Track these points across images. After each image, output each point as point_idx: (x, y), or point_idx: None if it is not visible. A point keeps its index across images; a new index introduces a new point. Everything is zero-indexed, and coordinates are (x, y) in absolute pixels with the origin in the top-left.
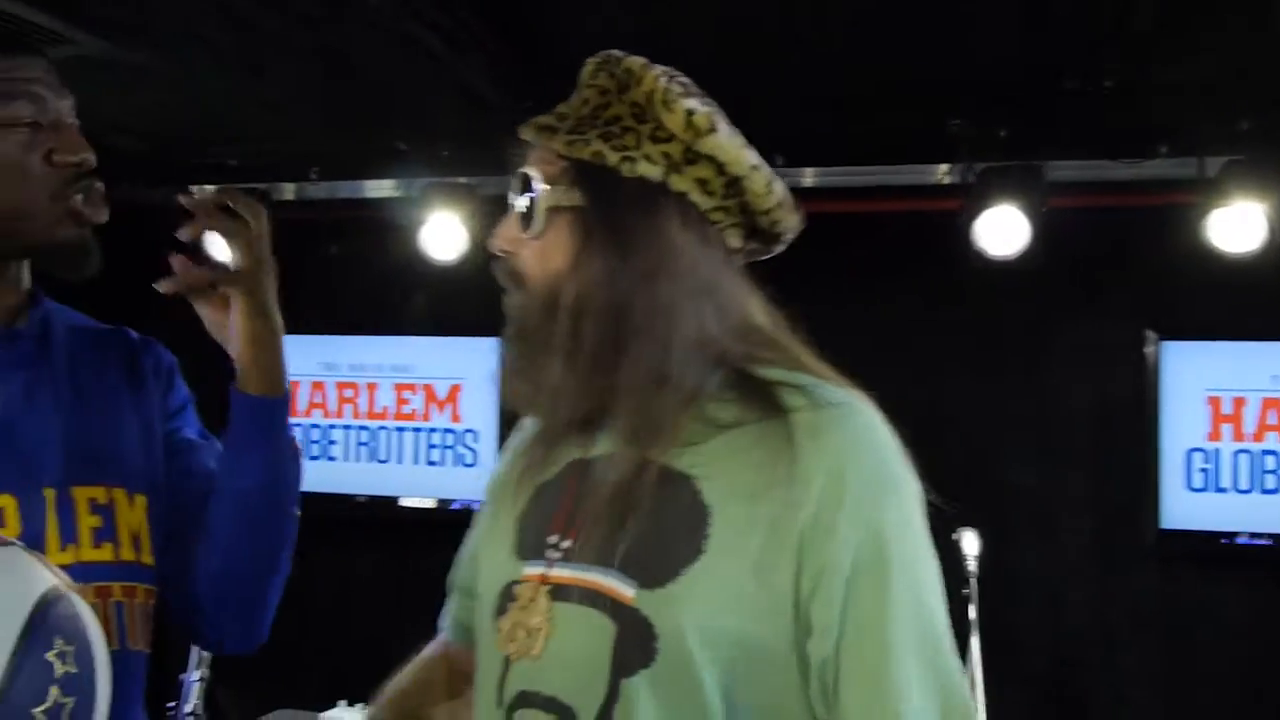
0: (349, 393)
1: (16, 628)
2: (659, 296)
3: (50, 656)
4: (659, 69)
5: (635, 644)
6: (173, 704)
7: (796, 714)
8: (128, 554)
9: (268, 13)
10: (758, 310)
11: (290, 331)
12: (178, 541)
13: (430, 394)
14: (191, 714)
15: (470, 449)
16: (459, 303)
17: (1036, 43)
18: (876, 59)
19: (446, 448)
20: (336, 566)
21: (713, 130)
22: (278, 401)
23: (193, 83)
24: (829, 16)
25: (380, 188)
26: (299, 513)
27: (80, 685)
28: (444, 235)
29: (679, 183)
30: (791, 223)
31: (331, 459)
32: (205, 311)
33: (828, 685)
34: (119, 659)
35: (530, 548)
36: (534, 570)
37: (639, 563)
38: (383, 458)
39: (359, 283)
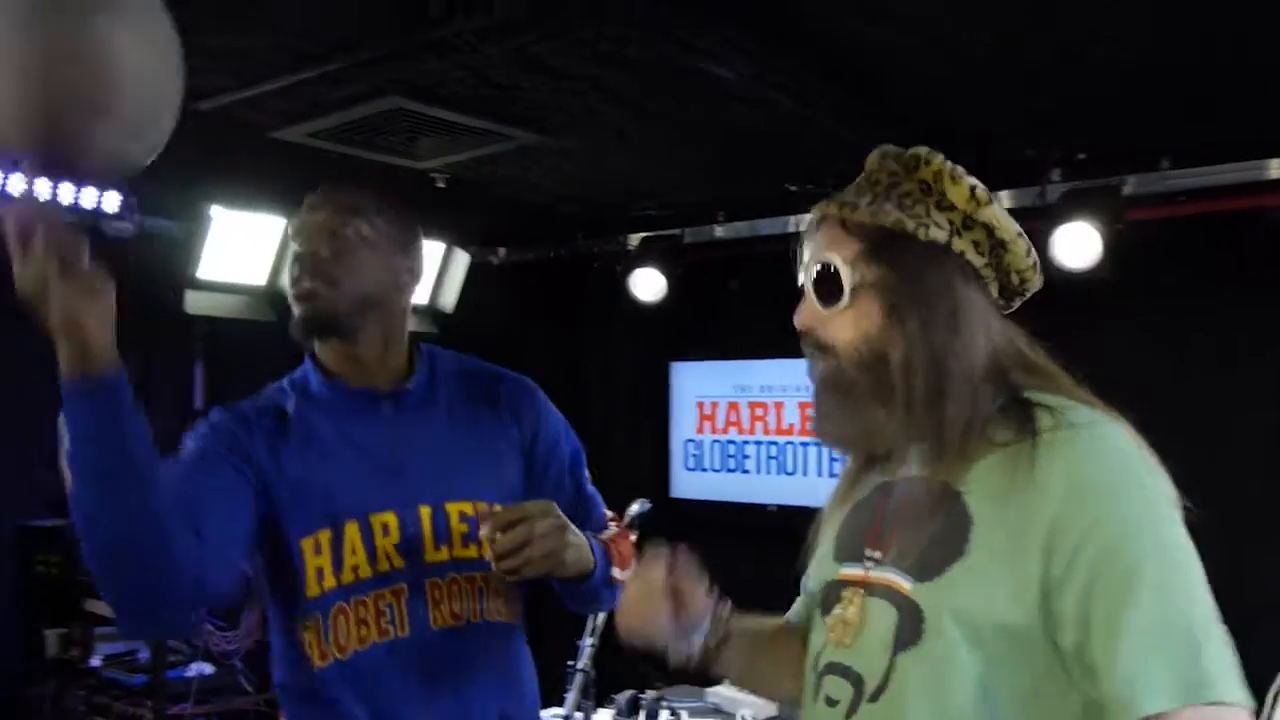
0: (760, 411)
1: None
2: (965, 343)
3: None
4: (941, 155)
5: (909, 626)
6: (571, 662)
7: (1052, 697)
8: (488, 551)
9: (658, 98)
10: (1024, 343)
11: (707, 357)
12: None
13: None
14: (582, 670)
15: None
16: None
17: None
18: (1249, 50)
19: None
20: (750, 567)
21: (990, 203)
22: (587, 584)
23: (609, 156)
24: (1184, 17)
25: (775, 225)
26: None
27: None
28: None
29: (959, 244)
30: (1036, 284)
31: (746, 472)
32: None
33: (1085, 669)
34: (490, 628)
35: (845, 552)
36: (849, 571)
37: (918, 562)
38: (790, 470)
39: (764, 311)
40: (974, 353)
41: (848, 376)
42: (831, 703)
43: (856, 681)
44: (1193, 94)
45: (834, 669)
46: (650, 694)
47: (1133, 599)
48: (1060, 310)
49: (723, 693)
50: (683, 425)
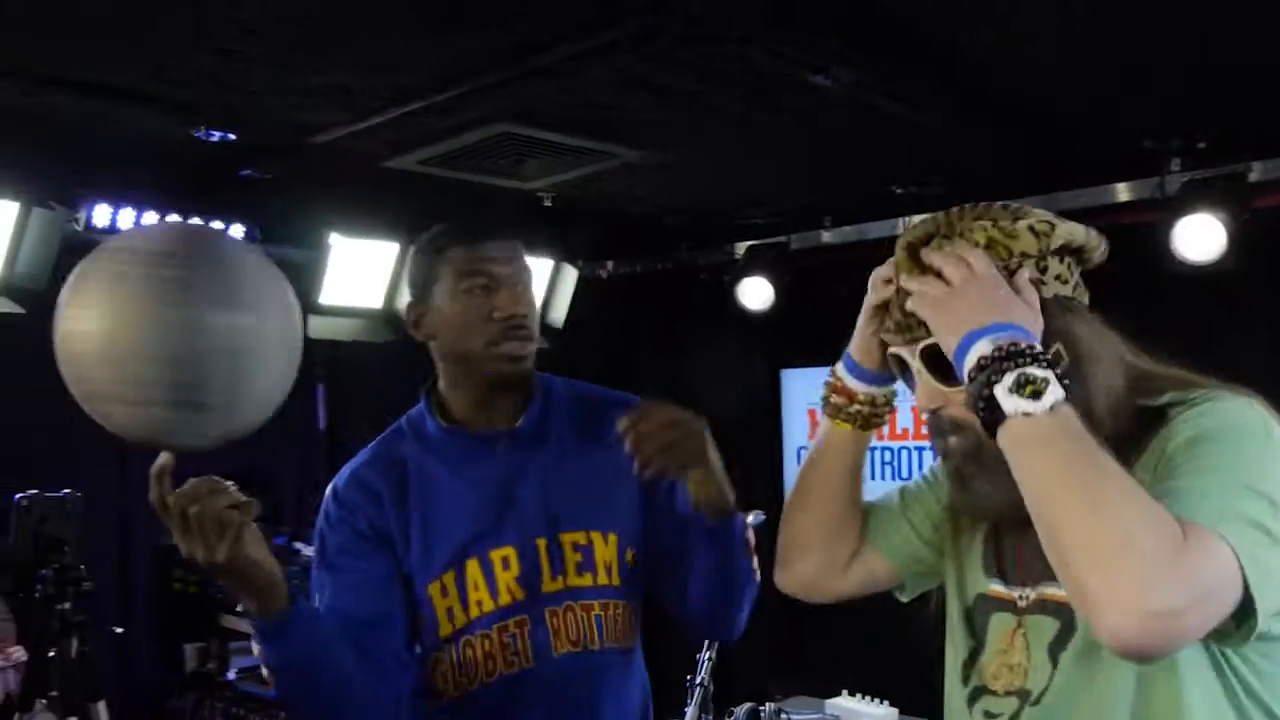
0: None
1: None
2: (1096, 384)
3: None
4: (973, 215)
5: (1068, 629)
6: (690, 676)
7: (1196, 676)
8: (603, 580)
9: (759, 110)
10: (1132, 355)
11: (818, 364)
12: (672, 573)
13: None
14: (700, 684)
15: None
16: None
17: None
18: None
19: None
20: None
21: (1054, 225)
22: (720, 525)
23: (712, 168)
24: None
25: (883, 228)
26: (755, 578)
27: None
28: None
29: (1047, 290)
30: (1102, 256)
31: None
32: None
33: None
34: (608, 655)
35: (994, 570)
36: (999, 589)
37: None
38: (905, 475)
39: None
40: (1105, 390)
41: (989, 448)
42: (992, 716)
43: (1022, 694)
44: None
45: (987, 692)
46: (769, 706)
47: (1204, 466)
48: (1183, 306)
49: (843, 705)
50: (795, 433)
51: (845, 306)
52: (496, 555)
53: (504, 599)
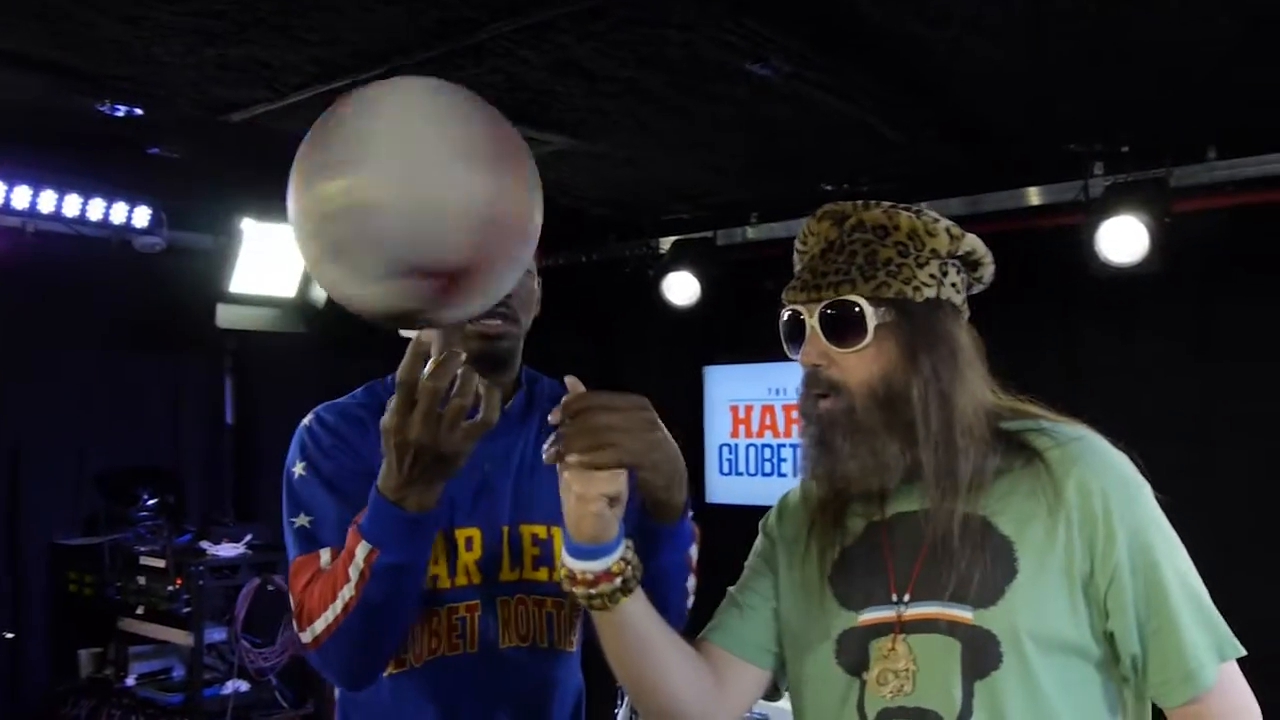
0: (795, 414)
1: None
2: (968, 382)
3: None
4: (899, 208)
5: (983, 653)
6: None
7: (1105, 700)
8: (559, 576)
9: (694, 99)
10: (992, 382)
11: (741, 361)
12: None
13: None
14: None
15: None
16: None
17: None
18: None
19: None
20: None
21: (964, 233)
22: (667, 528)
23: (643, 159)
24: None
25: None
26: (692, 585)
27: None
28: None
29: (945, 292)
30: (992, 276)
31: (782, 475)
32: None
33: (1135, 659)
34: (552, 654)
35: (858, 598)
36: (874, 616)
37: (970, 590)
38: None
39: None
40: (975, 391)
41: (860, 414)
42: None
43: (932, 718)
44: (1236, 81)
45: (896, 713)
46: None
47: (1169, 589)
48: (1107, 306)
49: (783, 708)
50: (717, 429)
51: (769, 303)
52: (461, 535)
53: (460, 580)
